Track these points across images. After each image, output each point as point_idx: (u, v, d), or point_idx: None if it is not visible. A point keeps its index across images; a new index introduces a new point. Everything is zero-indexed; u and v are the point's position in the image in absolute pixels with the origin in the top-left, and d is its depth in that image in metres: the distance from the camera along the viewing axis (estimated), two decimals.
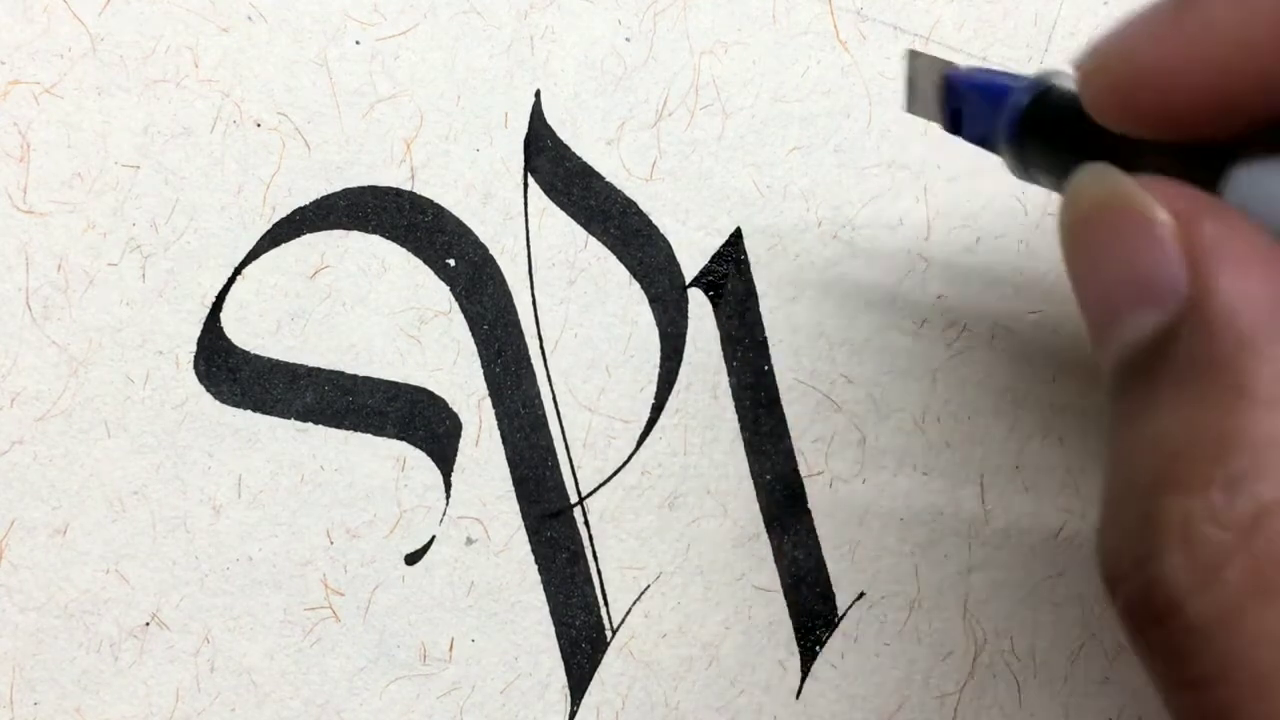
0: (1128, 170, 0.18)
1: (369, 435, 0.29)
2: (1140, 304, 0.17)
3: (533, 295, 0.30)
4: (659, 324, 0.30)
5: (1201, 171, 0.17)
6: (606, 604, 0.30)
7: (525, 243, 0.29)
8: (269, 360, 0.29)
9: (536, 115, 0.29)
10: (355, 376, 0.29)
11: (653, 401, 0.30)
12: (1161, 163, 0.18)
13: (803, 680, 0.31)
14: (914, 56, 0.25)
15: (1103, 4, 0.30)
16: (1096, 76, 0.18)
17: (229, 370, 0.29)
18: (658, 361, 0.30)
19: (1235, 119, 0.17)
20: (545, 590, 0.30)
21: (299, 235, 0.29)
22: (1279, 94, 0.17)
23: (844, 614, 0.31)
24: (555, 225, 0.30)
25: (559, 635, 0.30)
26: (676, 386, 0.30)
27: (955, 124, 0.24)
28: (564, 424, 0.30)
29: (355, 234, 0.29)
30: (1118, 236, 0.17)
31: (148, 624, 0.29)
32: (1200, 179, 0.17)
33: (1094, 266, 0.18)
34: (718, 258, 0.30)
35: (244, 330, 0.29)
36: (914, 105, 0.25)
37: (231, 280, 0.29)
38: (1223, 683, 0.16)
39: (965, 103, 0.24)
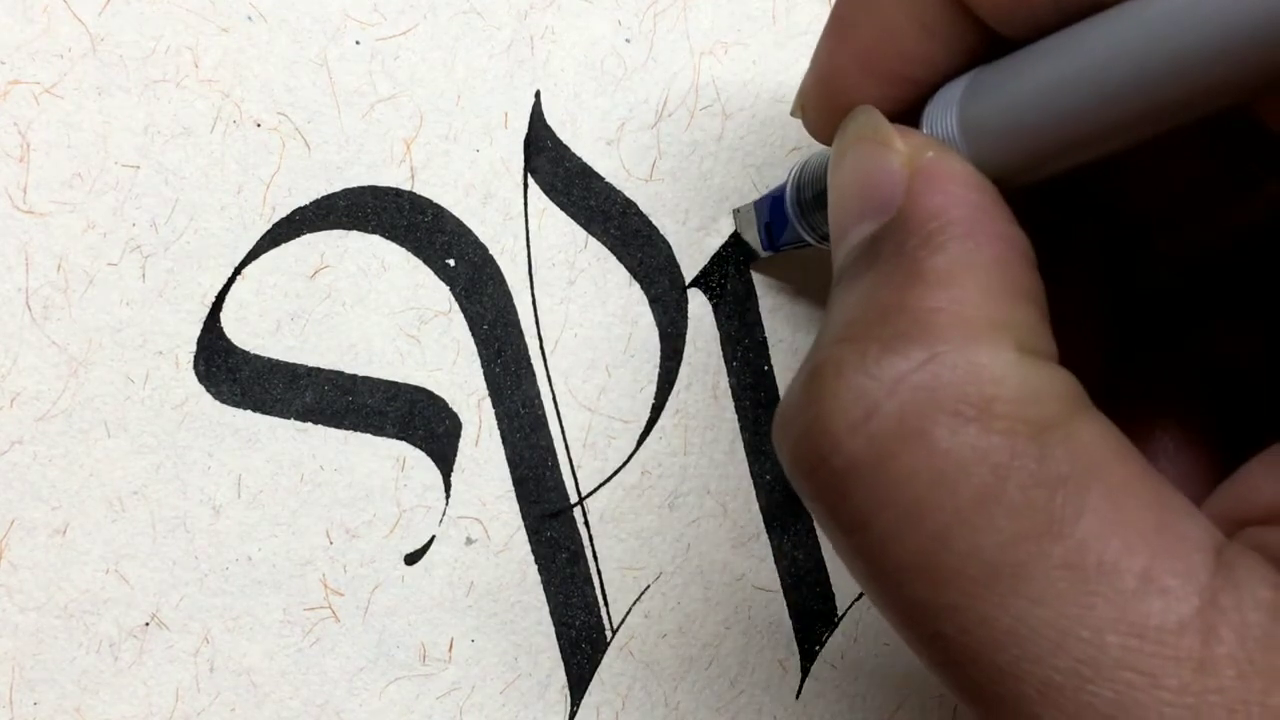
0: None
1: (369, 435, 0.29)
2: (867, 215, 0.20)
3: (533, 295, 0.30)
4: (659, 324, 0.30)
5: None
6: (606, 604, 0.30)
7: (525, 243, 0.29)
8: (269, 360, 0.29)
9: (536, 115, 0.29)
10: (355, 376, 0.29)
11: (653, 401, 0.30)
12: None
13: (803, 680, 0.31)
14: (735, 214, 0.30)
15: None
16: (808, 111, 0.23)
17: (229, 370, 0.29)
18: (658, 361, 0.30)
19: (904, 102, 0.21)
20: (545, 590, 0.30)
21: (299, 235, 0.29)
22: (920, 61, 0.21)
23: (844, 614, 0.31)
24: (555, 225, 0.30)
25: (559, 635, 0.30)
26: (676, 387, 0.30)
27: (774, 244, 0.28)
28: (564, 424, 0.30)
29: (355, 234, 0.29)
30: (864, 159, 0.20)
31: (147, 624, 0.29)
32: None
33: (840, 186, 0.21)
34: (718, 258, 0.30)
35: (244, 330, 0.29)
36: (753, 255, 0.30)
37: (231, 280, 0.29)
38: (876, 519, 0.18)
39: (771, 216, 0.28)
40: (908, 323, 0.18)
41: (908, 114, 0.21)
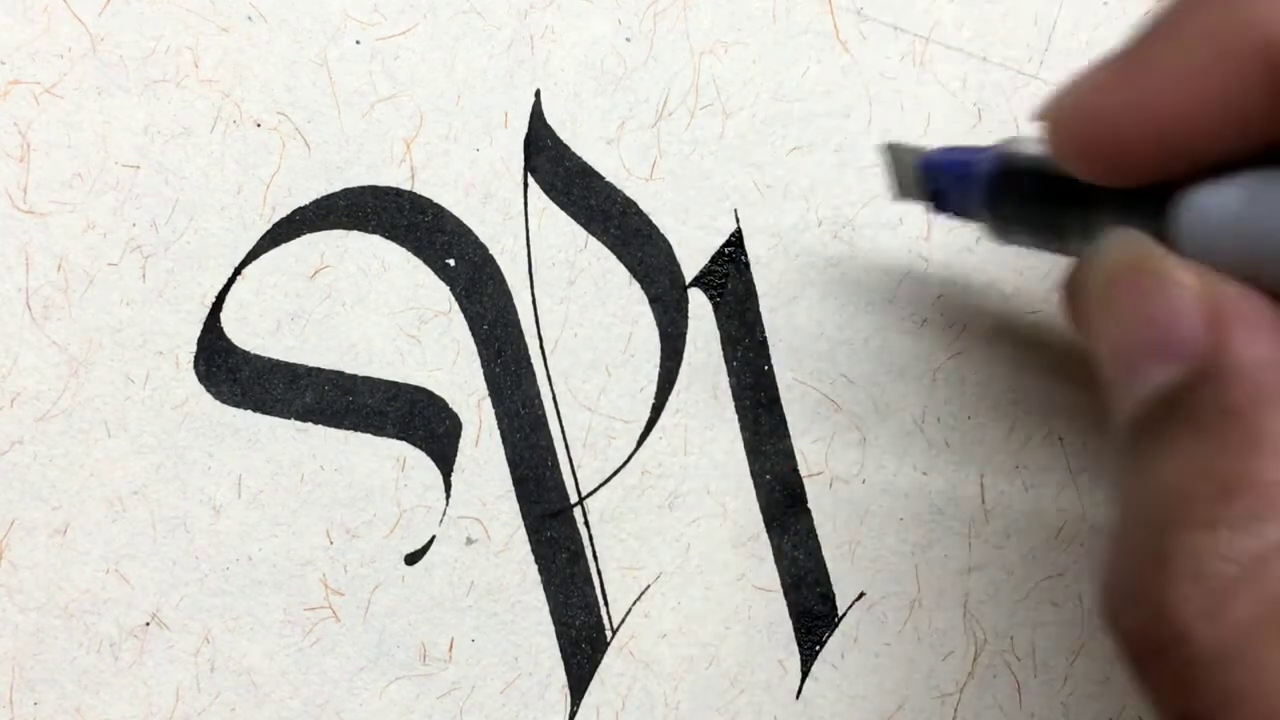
0: (1084, 213, 0.20)
1: (369, 435, 0.29)
2: (1159, 359, 0.18)
3: (533, 295, 0.30)
4: (659, 324, 0.30)
5: (1151, 212, 0.19)
6: (606, 604, 0.30)
7: (525, 242, 0.29)
8: (269, 360, 0.29)
9: (536, 115, 0.29)
10: (355, 376, 0.29)
11: (653, 401, 0.30)
12: (1115, 208, 0.20)
13: (803, 680, 0.31)
14: (889, 149, 0.27)
15: (1103, 4, 0.30)
16: (1060, 129, 0.20)
17: (229, 370, 0.29)
18: (658, 361, 0.30)
19: (1181, 161, 0.19)
20: (545, 590, 0.30)
21: (299, 235, 0.29)
22: (1217, 136, 0.18)
23: (844, 614, 0.31)
24: (555, 225, 0.30)
25: (559, 635, 0.30)
26: (676, 386, 0.30)
27: (938, 204, 0.25)
28: (564, 424, 0.30)
29: (355, 234, 0.29)
30: (1143, 296, 0.19)
31: (148, 624, 0.29)
32: (1149, 220, 0.19)
33: (1118, 323, 0.19)
34: (718, 257, 0.30)
35: (244, 330, 0.29)
36: (902, 193, 0.27)
37: (231, 280, 0.29)
38: (1227, 713, 0.16)
39: (942, 183, 0.25)
40: (1257, 500, 0.17)
41: (1156, 185, 0.19)
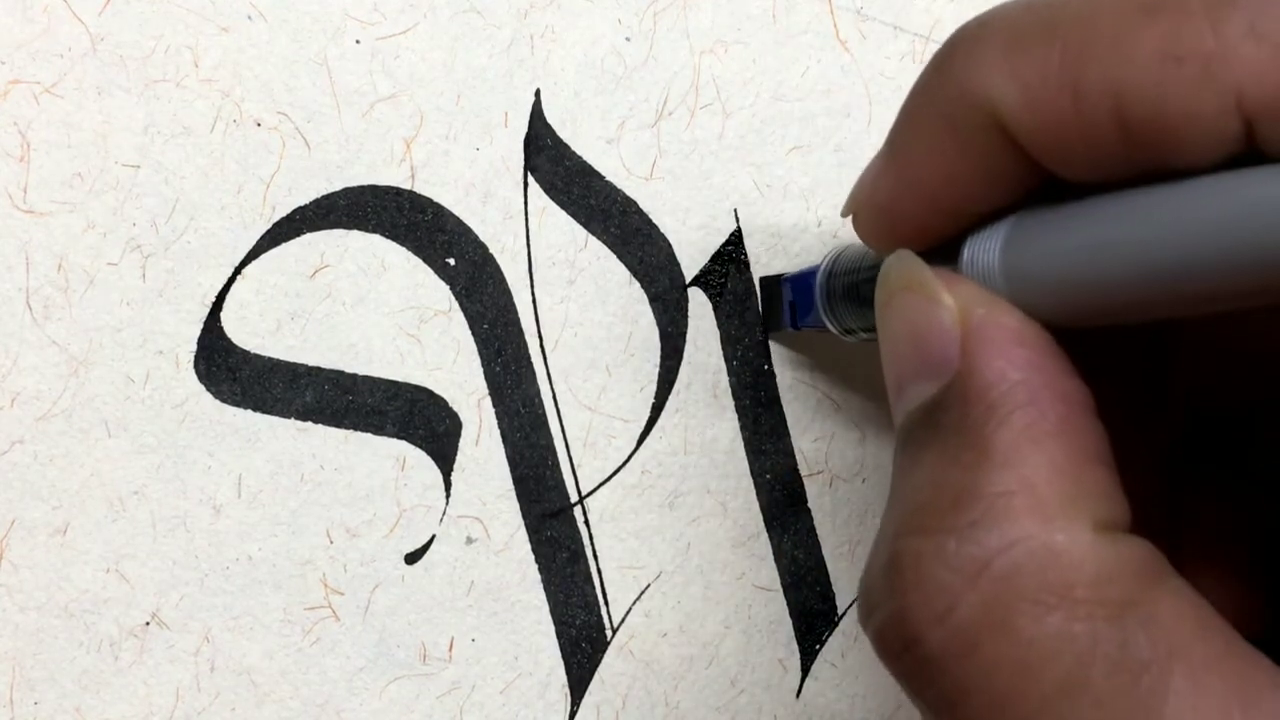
0: None
1: (369, 434, 0.29)
2: (921, 375, 0.20)
3: (533, 294, 0.30)
4: (659, 323, 0.30)
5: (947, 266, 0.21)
6: (607, 603, 0.30)
7: (525, 242, 0.29)
8: (269, 360, 0.29)
9: (536, 114, 0.29)
10: (355, 376, 0.29)
11: (653, 401, 0.30)
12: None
13: (803, 679, 0.31)
14: (760, 282, 0.30)
15: None
16: (858, 219, 0.22)
17: (229, 370, 0.29)
18: (658, 361, 0.30)
19: (954, 221, 0.20)
20: (545, 590, 0.30)
21: (299, 235, 0.29)
22: (969, 194, 0.20)
23: (844, 613, 0.31)
24: (555, 224, 0.30)
25: (559, 635, 0.30)
26: (677, 386, 0.30)
27: (797, 322, 0.28)
28: (564, 423, 0.30)
29: (355, 233, 0.29)
30: (912, 312, 0.20)
31: (148, 623, 0.29)
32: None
33: (892, 339, 0.21)
34: (718, 257, 0.30)
35: (244, 330, 0.29)
36: (771, 326, 0.30)
37: (232, 280, 0.29)
38: (962, 705, 0.18)
39: (797, 295, 0.28)
40: (981, 510, 0.18)
41: (955, 239, 0.21)
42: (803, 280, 0.28)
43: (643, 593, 0.30)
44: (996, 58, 0.18)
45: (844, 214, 0.23)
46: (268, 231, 0.29)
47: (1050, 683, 0.17)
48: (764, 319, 0.30)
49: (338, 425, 0.29)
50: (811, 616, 0.30)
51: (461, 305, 0.29)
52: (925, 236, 0.21)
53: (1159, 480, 0.23)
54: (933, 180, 0.20)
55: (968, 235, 0.20)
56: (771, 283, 0.30)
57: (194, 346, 0.29)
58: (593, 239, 0.30)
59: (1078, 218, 0.18)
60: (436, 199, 0.29)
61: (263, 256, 0.29)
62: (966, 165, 0.19)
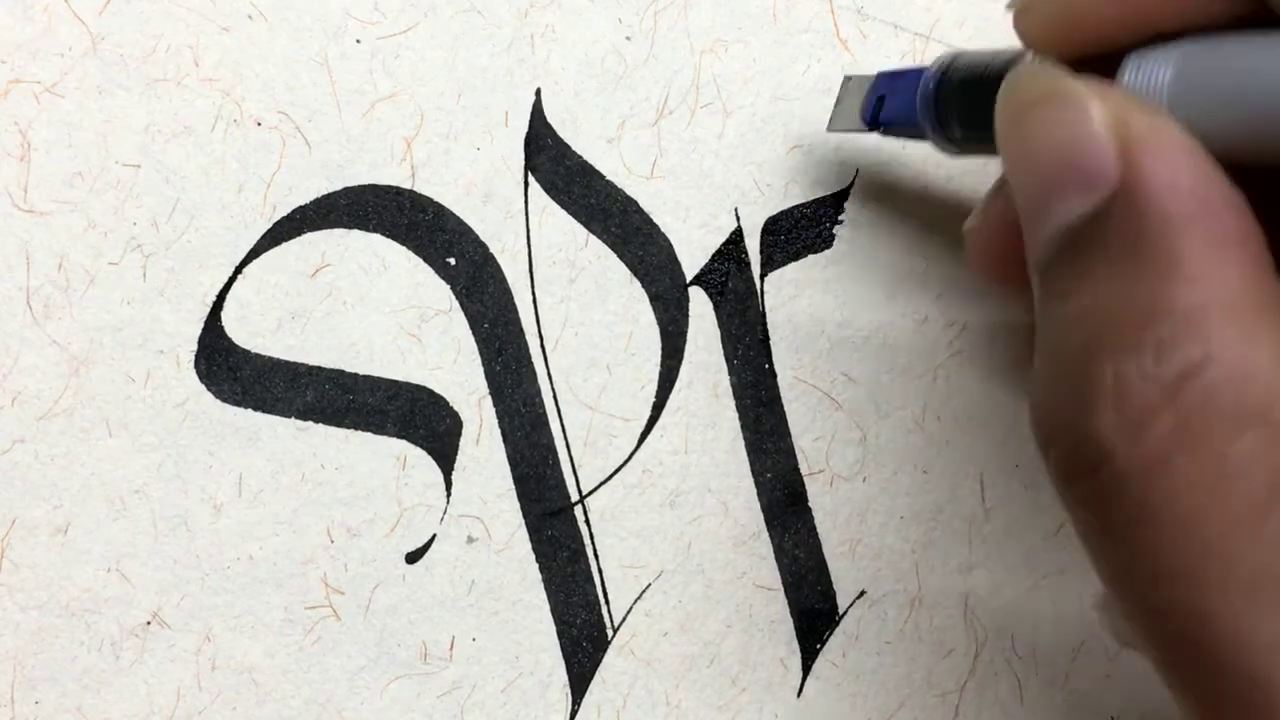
0: None
1: (369, 434, 0.29)
2: (1075, 187, 0.18)
3: (533, 294, 0.30)
4: (660, 322, 0.30)
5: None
6: (607, 602, 0.30)
7: (526, 241, 0.29)
8: (270, 359, 0.29)
9: (537, 114, 0.29)
10: (356, 375, 0.29)
11: (653, 400, 0.30)
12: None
13: (804, 679, 0.31)
14: (847, 80, 0.28)
15: None
16: (1026, 12, 0.21)
17: (230, 369, 0.29)
18: (658, 360, 0.30)
19: (1132, 34, 0.20)
20: (546, 589, 0.30)
21: (300, 234, 0.29)
22: (1154, 13, 0.19)
23: (845, 612, 0.31)
24: (556, 224, 0.30)
25: (560, 634, 0.30)
26: (677, 385, 0.30)
27: (876, 118, 0.26)
28: (565, 422, 0.30)
29: (356, 232, 0.29)
30: (1055, 125, 0.19)
31: (149, 623, 0.29)
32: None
33: (1031, 153, 0.19)
34: (718, 256, 0.30)
35: (245, 329, 0.29)
36: (835, 122, 0.28)
37: (232, 279, 0.29)
38: (1147, 525, 0.17)
39: (888, 91, 0.26)
40: (1177, 325, 0.17)
41: (1108, 59, 0.20)
42: (903, 78, 0.26)
43: (643, 592, 0.30)
44: None
45: (1010, 5, 0.22)
46: (268, 231, 0.29)
47: (1241, 504, 0.17)
48: (832, 115, 0.28)
49: (338, 425, 0.29)
50: (812, 616, 0.30)
51: (462, 305, 0.29)
52: (1092, 44, 0.20)
53: None
54: None
55: (1128, 54, 0.19)
56: (858, 83, 0.28)
57: (195, 346, 0.29)
58: (593, 238, 0.30)
59: (1265, 49, 0.17)
60: (437, 198, 0.29)
61: (263, 256, 0.29)
62: None
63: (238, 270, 0.29)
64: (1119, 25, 0.20)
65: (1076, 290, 0.19)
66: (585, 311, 0.30)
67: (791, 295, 0.30)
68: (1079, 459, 0.18)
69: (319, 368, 0.29)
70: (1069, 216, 0.19)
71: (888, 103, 0.26)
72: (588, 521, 0.30)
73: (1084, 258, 0.18)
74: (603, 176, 0.30)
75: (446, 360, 0.29)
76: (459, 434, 0.29)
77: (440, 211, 0.29)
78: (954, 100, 0.24)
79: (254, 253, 0.29)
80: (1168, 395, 0.17)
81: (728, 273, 0.30)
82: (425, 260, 0.29)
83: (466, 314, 0.29)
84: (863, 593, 0.31)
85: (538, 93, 0.29)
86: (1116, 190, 0.18)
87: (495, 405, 0.30)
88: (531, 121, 0.29)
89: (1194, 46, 0.19)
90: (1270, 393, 0.17)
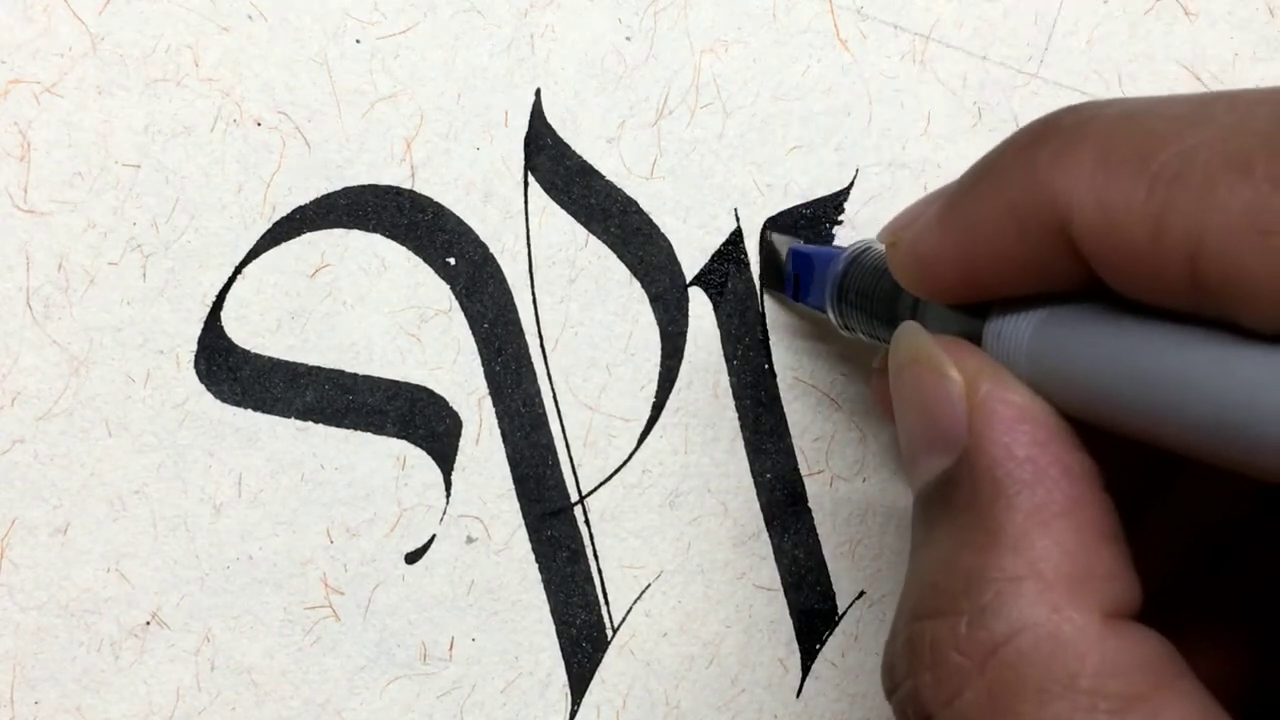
0: (914, 313, 0.23)
1: (369, 434, 0.29)
2: (933, 449, 0.20)
3: (533, 294, 0.30)
4: (659, 322, 0.30)
5: (969, 322, 0.21)
6: (607, 603, 0.30)
7: (525, 241, 0.29)
8: (269, 359, 0.29)
9: (537, 114, 0.29)
10: (355, 375, 0.29)
11: (653, 400, 0.30)
12: (944, 315, 0.22)
13: (803, 679, 0.31)
14: (768, 239, 0.30)
15: (1102, 3, 0.30)
16: (896, 256, 0.22)
17: (229, 369, 0.29)
18: (658, 360, 0.30)
19: (989, 291, 0.20)
20: (546, 589, 0.30)
21: (299, 234, 0.29)
22: (1012, 275, 0.20)
23: (844, 612, 0.31)
24: (555, 224, 0.30)
25: (559, 634, 0.30)
26: (677, 385, 0.30)
27: (797, 293, 0.28)
28: (564, 422, 0.30)
29: (356, 233, 0.29)
30: (919, 387, 0.20)
31: (148, 623, 0.29)
32: (969, 328, 0.21)
33: (904, 412, 0.21)
34: (718, 256, 0.30)
35: (244, 329, 0.29)
36: (766, 279, 0.30)
37: (232, 279, 0.29)
38: None
39: (802, 272, 0.28)
40: (991, 595, 0.18)
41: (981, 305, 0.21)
42: (808, 260, 0.28)
43: (643, 592, 0.30)
44: (1084, 170, 0.18)
45: (881, 240, 0.23)
46: (268, 231, 0.29)
47: None
48: (761, 272, 0.30)
49: (338, 425, 0.29)
50: (812, 616, 0.30)
51: (462, 305, 0.29)
52: (954, 295, 0.21)
53: (1175, 547, 0.23)
54: (982, 253, 0.20)
55: (994, 306, 0.20)
56: (773, 243, 0.30)
57: (194, 346, 0.29)
58: (593, 238, 0.30)
59: (1122, 335, 0.18)
60: (437, 198, 0.29)
61: (263, 256, 0.29)
62: (1021, 251, 0.19)
63: (237, 270, 0.29)
64: (968, 287, 0.21)
65: (926, 545, 0.20)
66: (585, 311, 0.30)
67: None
68: (910, 713, 0.19)
69: (319, 368, 0.29)
70: (931, 474, 0.20)
71: (803, 284, 0.28)
72: (587, 522, 0.30)
73: (933, 516, 0.20)
74: (602, 176, 0.30)
75: (446, 360, 0.29)
76: (459, 434, 0.29)
77: (440, 211, 0.29)
78: (854, 310, 0.26)
79: (254, 253, 0.29)
80: (979, 664, 0.18)
81: (727, 273, 0.30)
82: (425, 260, 0.29)
83: (466, 314, 0.29)
84: (862, 593, 0.31)
85: (537, 93, 0.29)
86: (963, 455, 0.19)
87: (495, 405, 0.30)
88: (531, 121, 0.29)
89: (1051, 312, 0.19)
90: (1076, 663, 0.17)
